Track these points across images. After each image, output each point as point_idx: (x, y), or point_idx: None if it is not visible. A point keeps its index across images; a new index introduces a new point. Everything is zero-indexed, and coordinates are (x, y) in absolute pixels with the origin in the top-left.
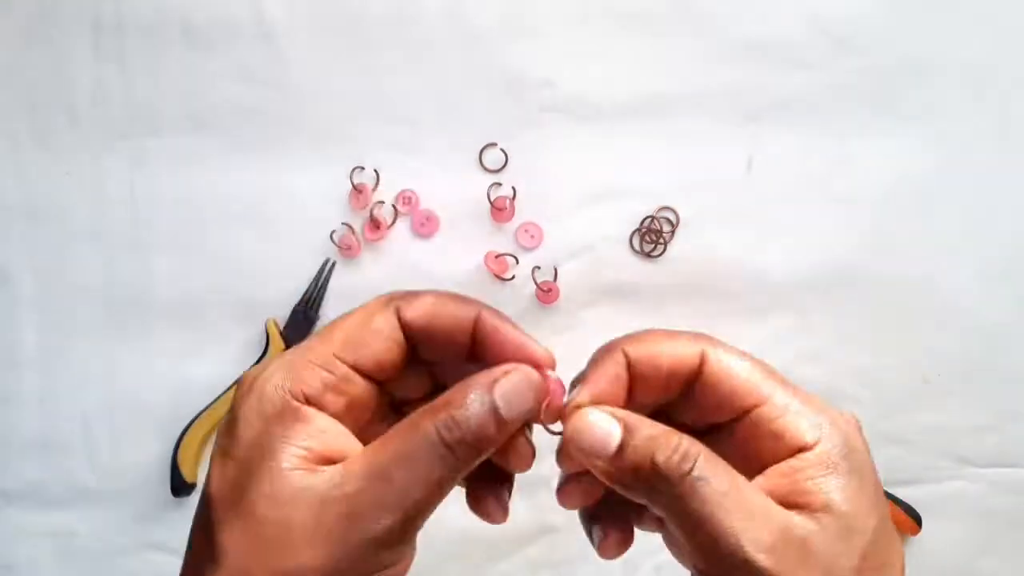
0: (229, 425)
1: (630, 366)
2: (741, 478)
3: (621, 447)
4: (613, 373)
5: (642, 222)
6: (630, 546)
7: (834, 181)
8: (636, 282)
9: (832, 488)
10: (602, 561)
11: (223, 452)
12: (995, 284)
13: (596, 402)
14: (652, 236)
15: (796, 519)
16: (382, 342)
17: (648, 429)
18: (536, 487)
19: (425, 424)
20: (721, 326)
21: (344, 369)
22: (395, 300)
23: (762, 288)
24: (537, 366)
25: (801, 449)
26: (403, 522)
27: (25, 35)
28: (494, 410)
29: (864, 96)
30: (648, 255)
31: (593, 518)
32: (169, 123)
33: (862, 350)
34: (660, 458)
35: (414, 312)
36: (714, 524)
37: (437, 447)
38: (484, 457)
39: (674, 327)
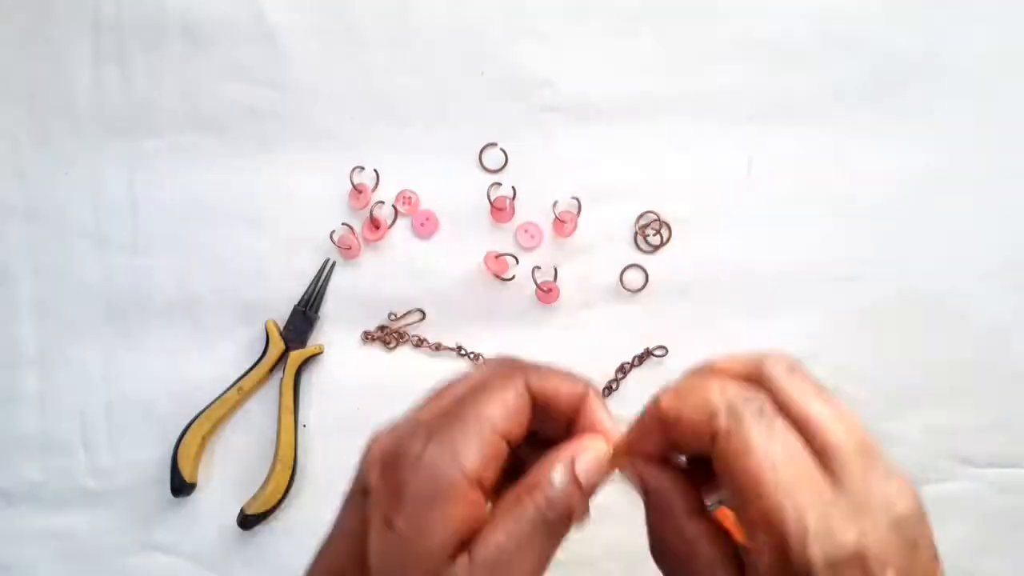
0: (396, 492)
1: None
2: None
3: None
4: (643, 422)
5: (637, 220)
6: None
7: (834, 181)
8: (636, 282)
9: None
10: (602, 561)
11: (386, 520)
12: (995, 284)
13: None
14: (652, 230)
15: None
16: (526, 412)
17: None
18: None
19: (527, 506)
20: (721, 326)
21: (502, 444)
22: (520, 370)
23: (762, 288)
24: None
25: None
26: None
27: (25, 35)
28: (577, 483)
29: (864, 96)
30: (648, 255)
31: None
32: (169, 123)
33: (862, 350)
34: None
35: (542, 385)
36: None
37: (541, 527)
38: (573, 524)
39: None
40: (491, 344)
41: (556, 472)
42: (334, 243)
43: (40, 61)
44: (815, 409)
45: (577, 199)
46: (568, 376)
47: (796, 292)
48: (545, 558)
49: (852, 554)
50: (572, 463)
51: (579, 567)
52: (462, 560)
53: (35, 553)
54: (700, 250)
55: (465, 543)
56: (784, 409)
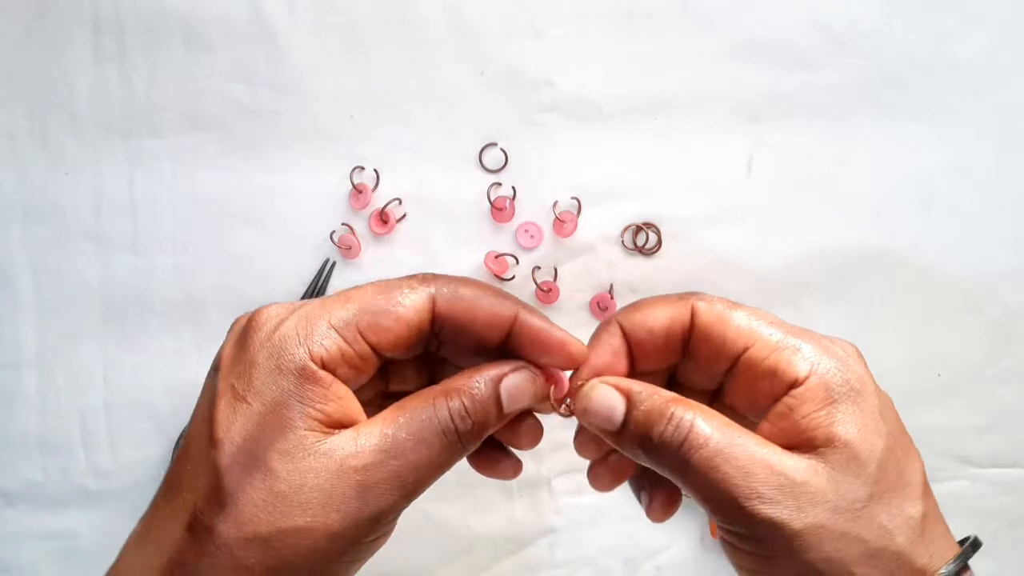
0: (244, 367)
1: (626, 335)
2: (741, 433)
3: (625, 420)
4: (610, 345)
5: (626, 227)
6: (677, 508)
7: (834, 181)
8: (636, 282)
9: (829, 421)
10: (602, 561)
11: (235, 394)
12: (996, 284)
13: (598, 375)
14: (652, 232)
15: (794, 463)
16: (406, 326)
17: (647, 401)
18: (536, 487)
19: (439, 407)
20: None
21: (364, 346)
22: (431, 283)
23: (762, 288)
24: (573, 362)
25: (793, 384)
26: (406, 499)
27: (25, 35)
28: (497, 402)
29: (864, 96)
30: (648, 255)
31: (639, 483)
32: (169, 123)
33: (862, 350)
34: (655, 432)
35: (452, 303)
36: (714, 486)
37: (449, 433)
38: (479, 444)
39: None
40: None
41: (478, 382)
42: (334, 243)
43: (40, 61)
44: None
45: (577, 199)
46: (494, 292)
47: (795, 292)
48: (437, 468)
49: (855, 351)
50: (499, 379)
51: (579, 567)
52: (344, 437)
53: (35, 553)
54: (700, 250)
55: (333, 425)
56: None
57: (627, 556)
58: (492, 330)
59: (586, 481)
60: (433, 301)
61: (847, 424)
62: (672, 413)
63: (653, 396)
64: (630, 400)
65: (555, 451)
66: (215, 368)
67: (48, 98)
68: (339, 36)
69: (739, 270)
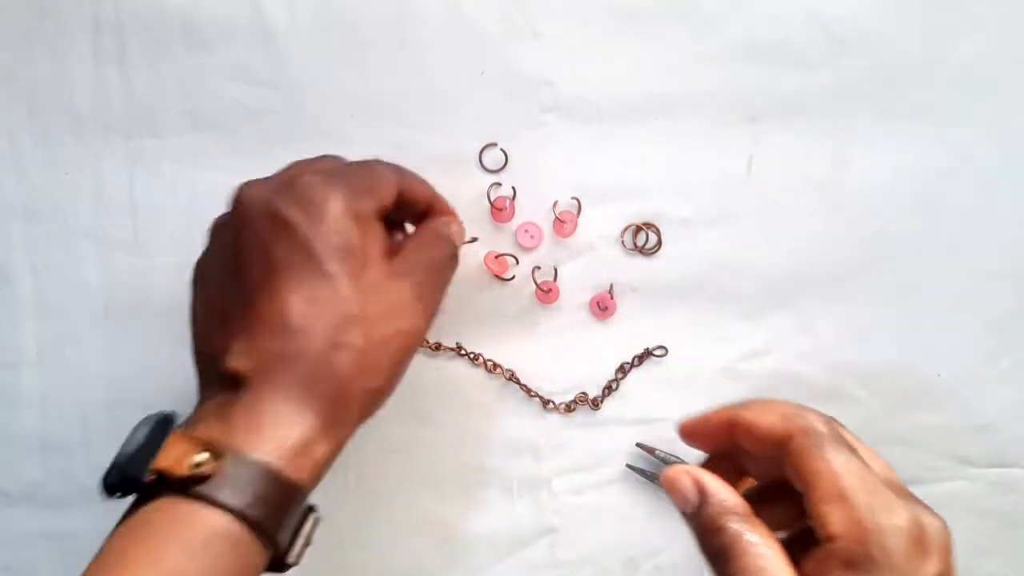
0: (347, 206)
1: (735, 427)
2: (776, 559)
3: (696, 511)
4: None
5: (626, 227)
6: None
7: (834, 181)
8: (636, 282)
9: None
10: (602, 561)
11: (356, 215)
12: (996, 284)
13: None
14: (652, 232)
15: None
16: (389, 201)
17: (714, 505)
18: (536, 487)
19: (445, 235)
20: (721, 326)
21: (380, 209)
22: (399, 177)
23: (762, 288)
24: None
25: (830, 538)
26: (443, 296)
27: (25, 35)
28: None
29: (864, 96)
30: (648, 255)
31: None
32: (169, 123)
33: (862, 350)
34: (708, 536)
35: (408, 188)
36: None
37: (453, 257)
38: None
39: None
40: (491, 344)
41: (450, 224)
42: None
43: (40, 61)
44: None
45: (577, 199)
46: (424, 182)
47: (795, 292)
48: (445, 290)
49: (911, 530)
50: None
51: (579, 566)
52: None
53: (35, 553)
54: (700, 250)
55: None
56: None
57: (627, 556)
58: (423, 205)
59: (586, 481)
60: (399, 182)
61: None
62: (726, 524)
63: (720, 501)
64: (703, 494)
65: (555, 451)
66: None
67: (48, 98)
68: (339, 36)
69: (739, 270)
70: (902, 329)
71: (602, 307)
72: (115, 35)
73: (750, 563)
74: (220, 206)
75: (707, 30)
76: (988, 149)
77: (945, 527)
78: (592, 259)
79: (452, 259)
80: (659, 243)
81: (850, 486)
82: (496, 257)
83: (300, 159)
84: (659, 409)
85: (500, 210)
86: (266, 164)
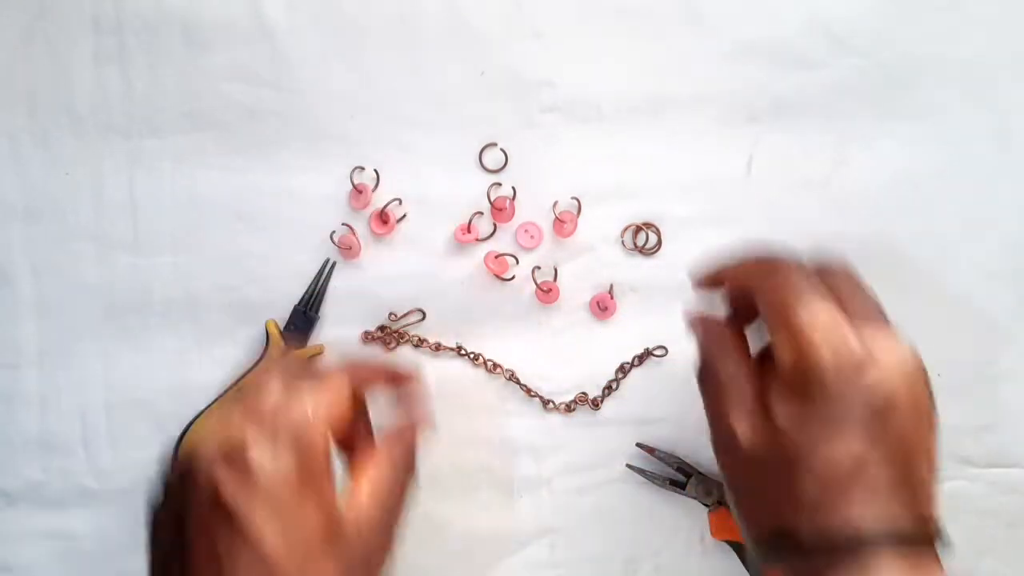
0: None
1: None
2: (740, 380)
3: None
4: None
5: (626, 227)
6: None
7: (834, 181)
8: (636, 282)
9: (780, 408)
10: (602, 561)
11: (313, 486)
12: (996, 284)
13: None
14: (651, 232)
15: (751, 427)
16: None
17: (700, 335)
18: (536, 487)
19: (400, 449)
20: None
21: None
22: (352, 379)
23: None
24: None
25: (779, 366)
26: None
27: (25, 35)
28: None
29: (864, 96)
30: (648, 255)
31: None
32: (169, 123)
33: None
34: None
35: (360, 385)
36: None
37: (410, 466)
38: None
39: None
40: (491, 344)
41: (403, 432)
42: (334, 243)
43: (40, 61)
44: (854, 296)
45: (577, 199)
46: (372, 366)
47: None
48: (408, 493)
49: (857, 362)
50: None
51: (579, 566)
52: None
53: (35, 553)
54: (700, 250)
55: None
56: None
57: (627, 556)
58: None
59: (586, 481)
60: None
61: (779, 410)
62: (702, 348)
63: (704, 331)
64: (696, 326)
65: (555, 451)
66: (208, 499)
67: (48, 98)
68: (339, 36)
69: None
70: (901, 328)
71: (602, 307)
72: (115, 35)
73: (720, 380)
74: (220, 206)
75: (707, 30)
76: (988, 149)
77: (905, 350)
78: (592, 259)
79: (410, 479)
80: (659, 243)
81: (802, 317)
82: (496, 257)
83: (246, 387)
84: (659, 409)
85: (500, 210)
86: (266, 164)
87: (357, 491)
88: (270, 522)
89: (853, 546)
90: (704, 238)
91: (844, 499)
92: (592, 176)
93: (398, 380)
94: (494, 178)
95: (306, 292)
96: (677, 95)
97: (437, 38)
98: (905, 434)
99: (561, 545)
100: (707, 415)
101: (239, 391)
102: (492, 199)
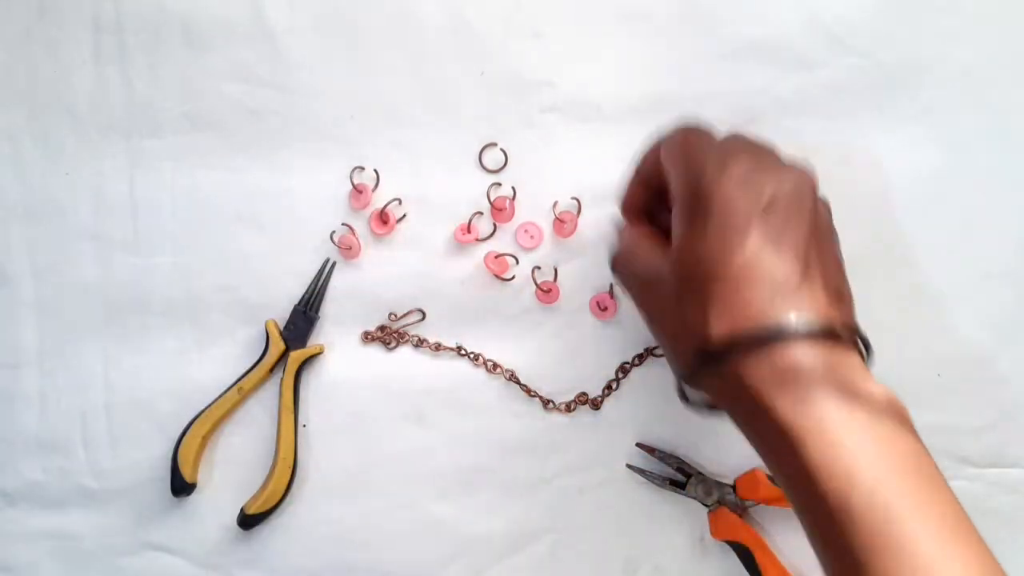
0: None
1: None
2: (645, 230)
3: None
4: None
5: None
6: None
7: (834, 181)
8: None
9: (677, 232)
10: (602, 561)
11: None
12: (996, 284)
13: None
14: None
15: (658, 263)
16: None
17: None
18: (536, 487)
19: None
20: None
21: None
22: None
23: None
24: None
25: (672, 200)
26: None
27: (25, 35)
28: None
29: (864, 96)
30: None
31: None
32: (169, 123)
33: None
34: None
35: None
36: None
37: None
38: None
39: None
40: (491, 344)
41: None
42: (334, 243)
43: (40, 61)
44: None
45: (577, 199)
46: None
47: None
48: None
49: (742, 170)
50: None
51: (579, 566)
52: None
53: (35, 553)
54: None
55: None
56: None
57: (627, 556)
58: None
59: (586, 481)
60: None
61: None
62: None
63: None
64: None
65: (555, 451)
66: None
67: (48, 98)
68: (339, 36)
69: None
70: (902, 328)
71: (602, 307)
72: (115, 35)
73: (625, 238)
74: (220, 206)
75: (707, 30)
76: (988, 149)
77: (791, 166)
78: (592, 259)
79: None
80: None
81: (690, 152)
82: (496, 257)
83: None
84: (659, 409)
85: (500, 210)
86: (266, 164)
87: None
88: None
89: (765, 341)
90: None
91: (749, 298)
92: (592, 176)
93: None
94: (494, 178)
95: (306, 292)
96: (677, 95)
97: (437, 38)
98: (798, 234)
99: (560, 545)
100: (622, 283)
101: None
102: (492, 199)
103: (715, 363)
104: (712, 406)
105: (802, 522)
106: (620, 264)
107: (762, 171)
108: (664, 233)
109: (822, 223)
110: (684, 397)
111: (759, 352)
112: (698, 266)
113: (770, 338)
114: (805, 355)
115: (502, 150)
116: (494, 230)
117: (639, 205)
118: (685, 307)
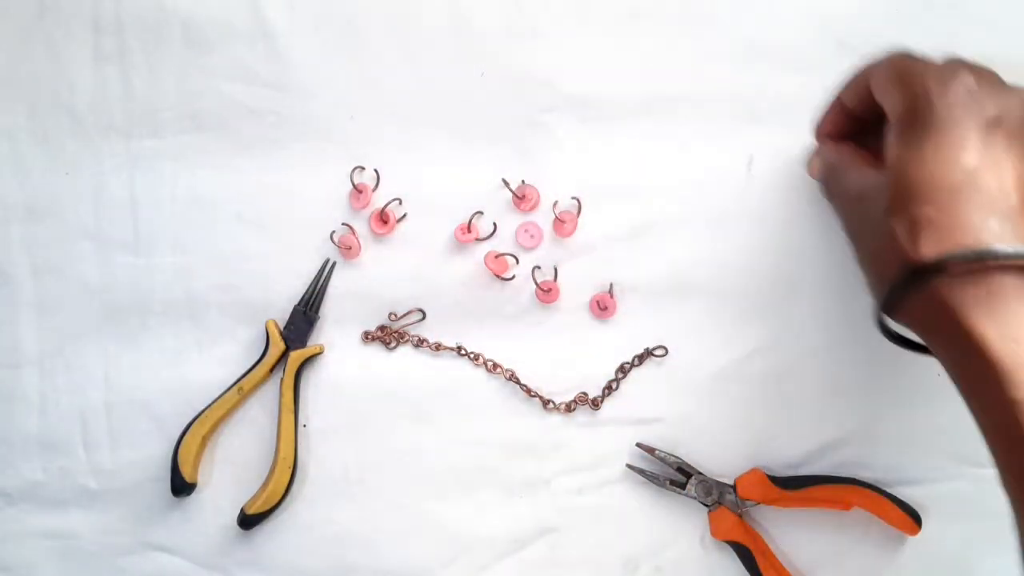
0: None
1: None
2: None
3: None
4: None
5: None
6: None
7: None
8: (636, 282)
9: (893, 151)
10: (602, 561)
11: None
12: None
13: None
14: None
15: (868, 174)
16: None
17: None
18: (536, 487)
19: None
20: (721, 326)
21: None
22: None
23: (762, 288)
24: None
25: (891, 115)
26: None
27: (25, 35)
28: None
29: None
30: (646, 255)
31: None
32: (169, 123)
33: (862, 350)
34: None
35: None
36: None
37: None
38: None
39: None
40: (491, 344)
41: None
42: (334, 243)
43: (40, 61)
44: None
45: (577, 199)
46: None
47: (796, 291)
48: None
49: (965, 85)
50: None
51: (579, 566)
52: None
53: (35, 553)
54: (700, 250)
55: None
56: None
57: (627, 556)
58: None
59: (586, 481)
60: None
61: (897, 152)
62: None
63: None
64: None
65: (555, 451)
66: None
67: (48, 98)
68: (339, 36)
69: (739, 270)
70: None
71: (602, 307)
72: (115, 35)
73: (835, 158)
74: (220, 206)
75: (707, 30)
76: None
77: (1013, 86)
78: (592, 259)
79: None
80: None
81: (908, 68)
82: (496, 257)
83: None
84: (659, 409)
85: (522, 199)
86: (266, 164)
87: None
88: None
89: (978, 262)
90: (704, 238)
91: (965, 216)
92: (592, 176)
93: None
94: (494, 178)
95: (306, 292)
96: (677, 95)
97: (437, 38)
98: (1020, 156)
99: (561, 545)
100: (829, 200)
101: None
102: (514, 188)
103: (921, 283)
104: (910, 343)
105: (996, 461)
106: (830, 179)
107: (986, 89)
108: (871, 155)
109: None
110: (883, 328)
111: (970, 274)
112: (914, 179)
113: (984, 260)
114: (1018, 283)
115: (502, 150)
116: (494, 230)
117: (840, 132)
118: (895, 222)
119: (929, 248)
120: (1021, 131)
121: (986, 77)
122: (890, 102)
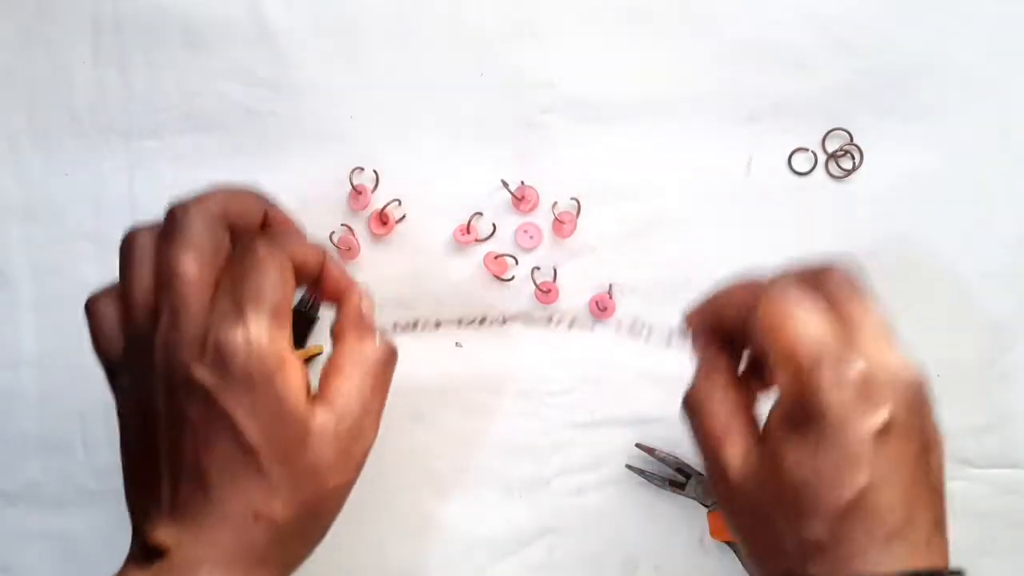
0: (240, 377)
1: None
2: (737, 402)
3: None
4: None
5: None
6: None
7: (834, 181)
8: (636, 282)
9: (780, 443)
10: (602, 561)
11: (236, 400)
12: (996, 284)
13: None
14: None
15: (745, 460)
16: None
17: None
18: (536, 487)
19: (368, 349)
20: None
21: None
22: (284, 249)
23: None
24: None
25: (779, 397)
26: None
27: (25, 35)
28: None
29: (864, 96)
30: (647, 255)
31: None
32: (169, 123)
33: None
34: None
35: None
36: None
37: (387, 363)
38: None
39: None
40: (491, 344)
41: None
42: (333, 244)
43: (40, 61)
44: (851, 303)
45: (577, 199)
46: (307, 243)
47: None
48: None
49: (858, 382)
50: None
51: (578, 567)
52: (321, 411)
53: (35, 553)
54: (700, 250)
55: (311, 397)
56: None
57: (627, 556)
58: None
59: (586, 481)
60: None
61: (791, 457)
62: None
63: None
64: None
65: (555, 451)
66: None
67: (48, 98)
68: (339, 36)
69: (738, 270)
70: (902, 329)
71: (602, 307)
72: (115, 35)
73: (712, 410)
74: None
75: (707, 30)
76: (988, 149)
77: (907, 368)
78: (592, 259)
79: (390, 361)
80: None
81: (799, 343)
82: (496, 257)
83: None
84: (659, 409)
85: (521, 199)
86: (266, 164)
87: (324, 401)
88: (255, 423)
89: None
90: (704, 238)
91: (852, 543)
92: (592, 176)
93: (331, 277)
94: (493, 179)
95: (306, 292)
96: (677, 95)
97: (437, 38)
98: (910, 460)
99: (560, 545)
100: (698, 445)
101: None
102: (512, 189)
103: None
104: None
105: None
106: (693, 410)
107: (880, 379)
108: (743, 377)
109: (931, 436)
110: None
111: None
112: (805, 495)
113: None
114: None
115: (501, 150)
116: (494, 230)
117: (716, 331)
118: (775, 522)
119: (816, 567)
120: (910, 427)
121: (880, 353)
122: (777, 374)
